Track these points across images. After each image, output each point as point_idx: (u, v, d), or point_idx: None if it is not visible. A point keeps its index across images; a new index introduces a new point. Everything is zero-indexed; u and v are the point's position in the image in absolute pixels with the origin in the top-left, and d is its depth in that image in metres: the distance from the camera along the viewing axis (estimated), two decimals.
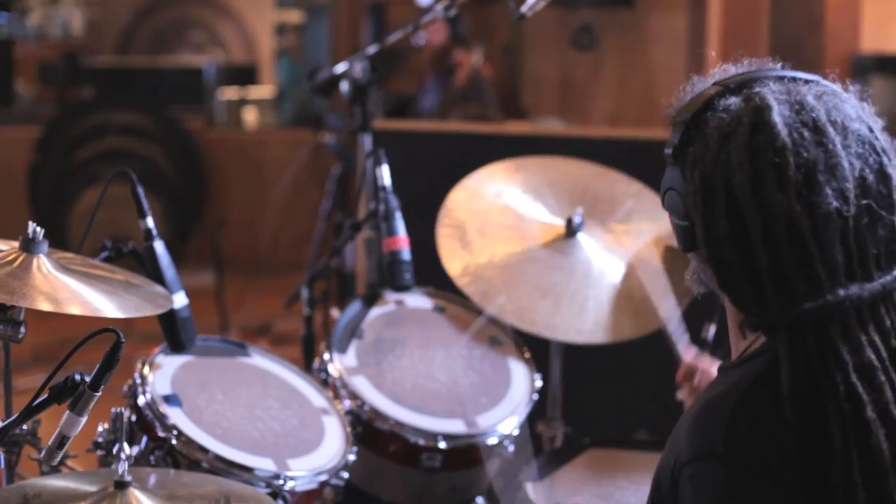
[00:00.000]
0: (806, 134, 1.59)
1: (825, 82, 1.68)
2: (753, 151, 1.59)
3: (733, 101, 1.65)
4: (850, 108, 1.64)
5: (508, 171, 3.11)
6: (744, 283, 1.61)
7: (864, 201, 1.59)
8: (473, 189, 3.05)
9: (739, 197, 1.59)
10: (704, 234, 1.64)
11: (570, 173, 3.13)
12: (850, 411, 1.55)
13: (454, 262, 2.90)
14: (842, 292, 1.57)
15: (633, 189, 3.08)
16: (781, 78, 1.67)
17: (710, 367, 2.55)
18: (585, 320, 2.83)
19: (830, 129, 1.60)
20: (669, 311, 2.73)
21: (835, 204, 1.57)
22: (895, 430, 1.56)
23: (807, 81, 1.67)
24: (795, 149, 1.58)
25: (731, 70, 1.72)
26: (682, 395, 2.64)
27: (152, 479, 1.97)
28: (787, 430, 1.57)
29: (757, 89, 1.65)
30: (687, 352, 2.65)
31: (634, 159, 3.40)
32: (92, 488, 1.86)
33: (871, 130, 1.63)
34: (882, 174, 1.61)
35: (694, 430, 1.62)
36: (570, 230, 2.94)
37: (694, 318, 2.89)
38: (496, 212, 3.00)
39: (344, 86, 3.50)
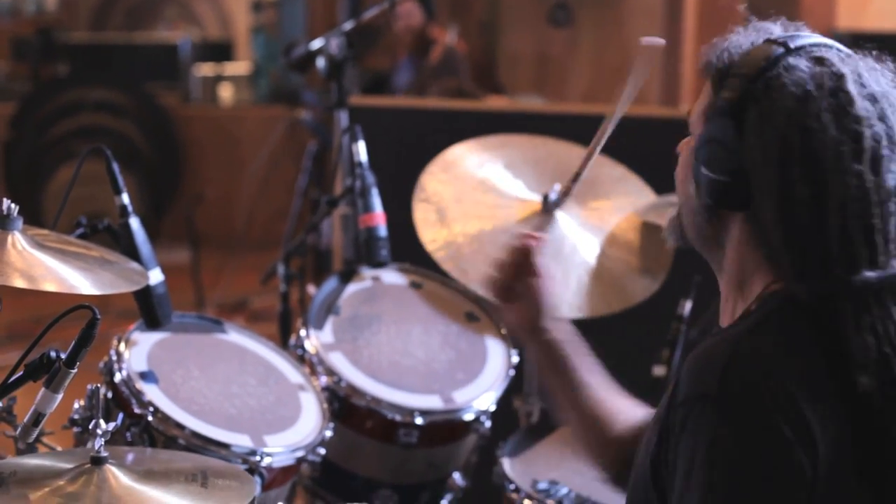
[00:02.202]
0: (870, 106, 1.63)
1: (862, 55, 1.71)
2: (836, 117, 1.62)
3: (803, 62, 1.66)
4: (885, 82, 1.68)
5: (491, 147, 3.10)
6: (814, 247, 1.63)
7: None
8: (452, 162, 3.04)
9: (822, 160, 1.61)
10: (777, 195, 1.64)
11: (554, 153, 3.13)
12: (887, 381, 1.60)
13: (429, 233, 2.89)
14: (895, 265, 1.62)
15: (616, 172, 3.08)
16: (832, 47, 1.70)
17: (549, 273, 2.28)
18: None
19: (885, 104, 1.64)
20: None
21: (894, 181, 1.62)
22: None
23: (849, 54, 1.70)
24: (869, 120, 1.62)
25: (775, 29, 1.72)
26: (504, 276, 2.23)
27: (129, 456, 1.97)
28: (797, 382, 1.58)
29: (824, 54, 1.67)
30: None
31: (611, 135, 3.41)
32: (68, 465, 1.86)
33: None
34: None
35: (688, 375, 1.63)
36: (547, 206, 2.94)
37: (669, 294, 2.91)
38: (474, 186, 3.00)
39: (320, 62, 3.49)
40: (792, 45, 1.67)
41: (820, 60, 1.66)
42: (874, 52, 1.72)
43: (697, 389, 1.60)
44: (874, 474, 1.60)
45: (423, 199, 2.95)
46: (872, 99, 1.63)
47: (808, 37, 1.70)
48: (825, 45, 1.70)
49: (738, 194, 1.67)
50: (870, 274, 1.61)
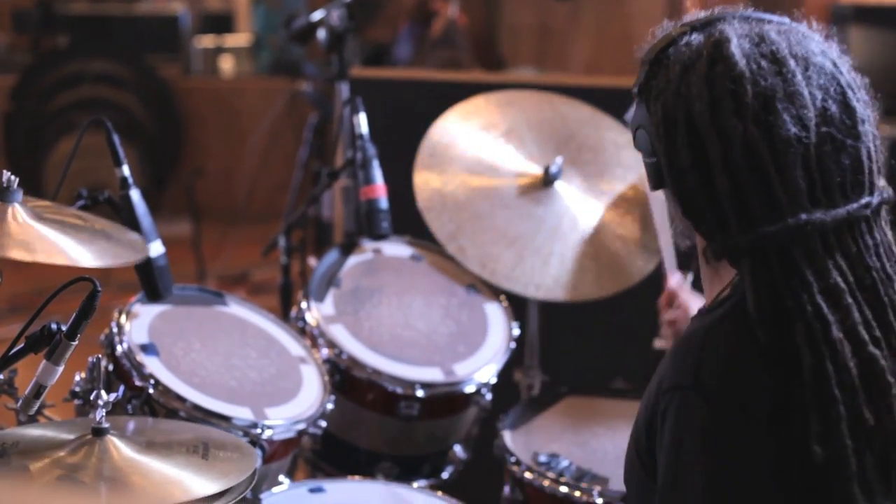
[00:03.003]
0: (764, 64, 1.63)
1: (791, 22, 1.72)
2: (711, 81, 1.64)
3: (695, 37, 1.69)
4: (813, 44, 1.68)
5: (499, 104, 3.09)
6: (705, 209, 1.65)
7: (826, 129, 1.62)
8: (460, 118, 3.04)
9: (699, 125, 1.63)
10: (667, 165, 1.67)
11: (561, 114, 3.11)
12: (820, 331, 1.59)
13: (424, 181, 2.90)
14: (804, 216, 1.60)
15: (622, 139, 3.07)
16: (747, 17, 1.71)
17: (690, 300, 2.59)
18: (546, 276, 2.83)
19: (791, 61, 1.64)
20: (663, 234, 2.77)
21: (794, 130, 1.61)
22: (862, 351, 1.59)
23: (771, 21, 1.71)
24: (753, 77, 1.62)
25: (701, 14, 1.75)
26: (664, 318, 2.68)
27: (130, 426, 1.97)
28: (756, 363, 1.61)
29: (719, 26, 1.69)
30: (672, 275, 2.69)
31: (612, 107, 3.40)
32: (70, 436, 1.86)
33: (835, 65, 1.67)
34: (846, 105, 1.65)
35: (667, 366, 1.67)
36: (547, 179, 2.94)
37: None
38: (477, 146, 2.99)
39: (321, 34, 3.48)
40: (697, 25, 1.71)
41: (710, 33, 1.68)
42: (820, 27, 1.73)
43: (676, 380, 1.63)
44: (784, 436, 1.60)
45: (427, 150, 2.94)
46: (770, 57, 1.63)
47: (727, 14, 1.72)
48: (740, 18, 1.71)
49: (660, 174, 1.71)
50: (766, 228, 1.60)
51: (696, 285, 2.94)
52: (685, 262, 2.93)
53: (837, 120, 1.63)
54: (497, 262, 2.83)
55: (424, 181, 2.93)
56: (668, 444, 1.62)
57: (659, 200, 2.78)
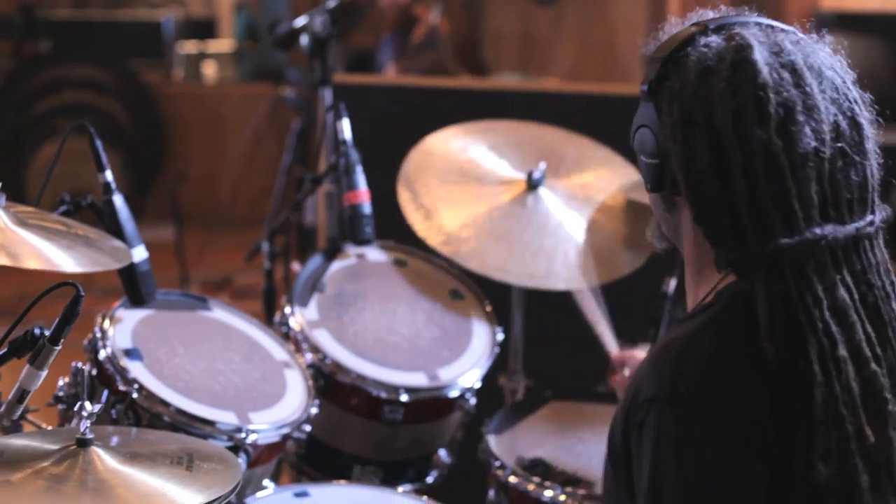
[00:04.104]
0: (785, 75, 1.62)
1: (801, 33, 1.70)
2: (736, 86, 1.61)
3: (714, 39, 1.66)
4: (824, 56, 1.67)
5: (474, 132, 3.10)
6: (722, 216, 1.62)
7: (839, 145, 1.62)
8: (436, 145, 3.04)
9: (721, 130, 1.61)
10: (683, 167, 1.64)
11: (538, 136, 3.13)
12: (829, 348, 1.58)
13: (416, 216, 2.90)
14: (818, 231, 1.60)
15: (600, 154, 3.08)
16: (759, 24, 1.70)
17: (637, 355, 2.62)
18: (538, 266, 2.83)
19: (807, 73, 1.63)
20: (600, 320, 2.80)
21: (813, 144, 1.60)
22: (864, 368, 1.59)
23: (784, 30, 1.70)
24: (776, 87, 1.61)
25: (709, 14, 1.73)
26: (613, 385, 2.71)
27: (115, 438, 1.96)
28: (740, 373, 1.60)
29: (738, 30, 1.67)
30: (613, 347, 2.73)
31: (594, 114, 3.41)
32: (54, 446, 1.85)
33: (843, 80, 1.66)
34: (854, 122, 1.64)
35: (644, 375, 1.65)
36: (531, 184, 2.94)
37: (654, 272, 2.91)
38: (459, 167, 3.00)
39: (304, 39, 3.48)
40: (712, 26, 1.68)
41: (731, 36, 1.66)
42: (826, 35, 1.72)
43: (652, 391, 1.62)
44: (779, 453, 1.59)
45: (405, 183, 2.95)
46: (790, 68, 1.62)
47: (742, 19, 1.71)
48: (755, 24, 1.69)
49: (667, 176, 1.69)
50: (785, 241, 1.59)
51: (680, 290, 2.95)
52: (668, 266, 2.94)
53: (848, 136, 1.63)
54: (487, 254, 2.83)
55: (408, 195, 2.92)
56: (645, 458, 1.61)
57: (586, 294, 2.83)
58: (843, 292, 1.61)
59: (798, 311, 1.59)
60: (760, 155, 1.59)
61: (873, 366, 1.60)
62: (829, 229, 1.60)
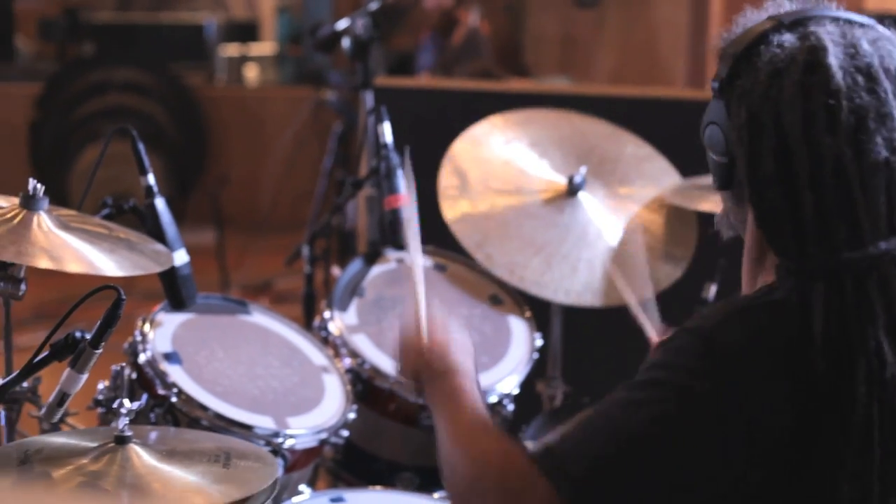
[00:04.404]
0: (860, 79, 1.56)
1: (880, 28, 1.64)
2: (807, 91, 1.56)
3: (788, 38, 1.61)
4: None
5: (516, 123, 3.09)
6: (785, 224, 1.58)
7: None
8: (479, 138, 3.04)
9: (789, 135, 1.56)
10: (748, 171, 1.60)
11: (580, 130, 3.11)
12: (878, 369, 1.54)
13: (452, 208, 2.89)
14: (883, 245, 1.55)
15: (643, 152, 3.06)
16: (837, 19, 1.63)
17: None
18: (575, 281, 2.82)
19: (883, 77, 1.57)
20: (643, 293, 2.74)
21: (884, 153, 1.55)
22: None
23: (862, 25, 1.63)
24: (849, 93, 1.55)
25: (786, 5, 1.67)
26: None
27: (153, 435, 1.97)
28: (777, 366, 1.55)
29: (813, 28, 1.61)
30: (655, 332, 2.67)
31: (637, 118, 3.39)
32: (92, 444, 1.86)
33: None
34: None
35: (700, 312, 1.62)
36: (572, 189, 2.93)
37: (694, 278, 2.89)
38: (500, 164, 2.99)
39: (345, 42, 3.48)
40: (787, 21, 1.63)
41: (805, 35, 1.60)
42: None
43: (696, 322, 1.59)
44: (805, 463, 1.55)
45: (449, 170, 2.94)
46: (865, 72, 1.57)
47: (819, 11, 1.65)
48: (832, 20, 1.63)
49: (735, 175, 1.65)
50: (848, 254, 1.55)
51: (722, 295, 2.93)
52: (709, 273, 2.92)
53: None
54: (525, 268, 2.83)
55: (449, 197, 2.92)
56: (649, 361, 1.58)
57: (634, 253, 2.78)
58: None
59: (853, 328, 1.55)
60: (829, 163, 1.54)
61: None
62: (895, 243, 1.56)
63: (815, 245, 1.56)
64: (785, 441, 1.54)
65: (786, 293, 1.59)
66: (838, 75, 1.56)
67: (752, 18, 1.68)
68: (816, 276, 1.57)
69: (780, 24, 1.63)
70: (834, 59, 1.57)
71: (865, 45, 1.59)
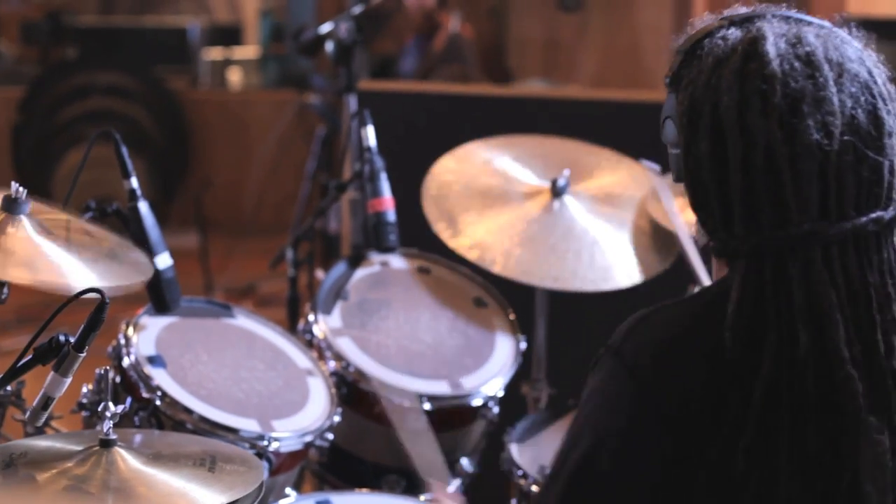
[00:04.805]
0: (797, 65, 1.60)
1: (836, 29, 1.68)
2: (743, 77, 1.60)
3: (733, 31, 1.66)
4: (851, 50, 1.64)
5: (496, 145, 3.10)
6: (715, 206, 1.62)
7: (849, 138, 1.58)
8: (461, 157, 3.04)
9: (724, 119, 1.60)
10: (684, 154, 1.65)
11: (560, 149, 3.13)
12: (788, 348, 1.56)
13: (442, 223, 2.90)
14: (807, 227, 1.58)
15: (623, 164, 3.08)
16: (787, 17, 1.68)
17: None
18: (563, 269, 2.83)
19: (825, 65, 1.60)
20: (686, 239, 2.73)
21: (816, 136, 1.57)
22: (839, 371, 1.56)
23: (812, 23, 1.67)
24: (784, 78, 1.59)
25: (742, 10, 1.72)
26: None
27: (137, 439, 1.97)
28: (693, 357, 1.60)
29: (758, 24, 1.66)
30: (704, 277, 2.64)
31: (620, 121, 3.40)
32: (77, 447, 1.86)
33: (870, 74, 1.63)
34: (875, 116, 1.61)
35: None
36: (556, 191, 2.94)
37: (678, 279, 2.90)
38: (484, 178, 3.00)
39: (329, 46, 3.48)
40: (737, 19, 1.68)
41: (749, 29, 1.65)
42: (860, 34, 1.70)
43: (610, 340, 1.66)
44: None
45: (432, 191, 2.94)
46: (804, 59, 1.60)
47: (772, 11, 1.69)
48: (781, 17, 1.68)
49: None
50: (770, 234, 1.58)
51: None
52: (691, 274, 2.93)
53: (864, 130, 1.59)
54: (511, 257, 2.82)
55: (434, 207, 2.92)
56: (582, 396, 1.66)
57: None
58: (830, 291, 1.57)
59: (767, 306, 1.57)
60: (760, 145, 1.58)
61: (849, 369, 1.55)
62: (821, 226, 1.58)
63: (740, 225, 1.60)
64: (694, 416, 1.58)
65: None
66: (775, 62, 1.59)
67: (708, 20, 1.72)
68: (738, 254, 1.61)
69: (730, 21, 1.68)
70: (772, 47, 1.61)
71: (810, 37, 1.63)
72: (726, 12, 1.72)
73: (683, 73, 1.68)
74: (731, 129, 1.59)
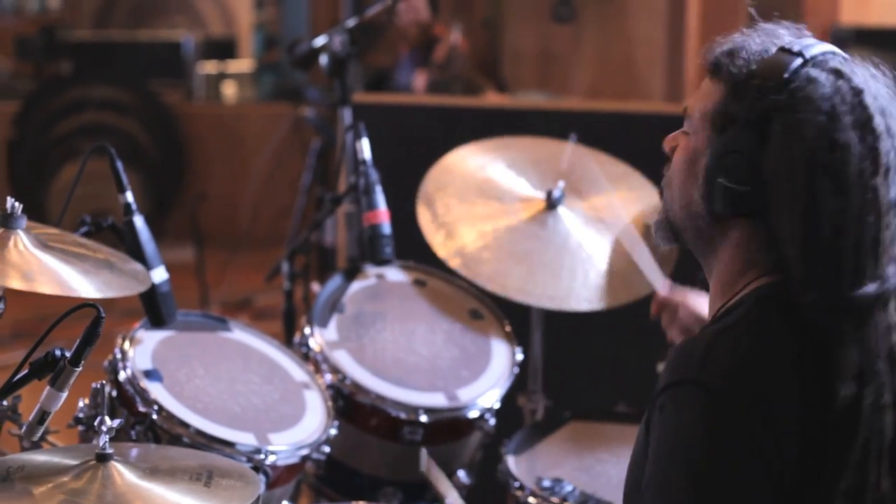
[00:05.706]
0: (882, 121, 1.65)
1: (872, 67, 1.72)
2: (860, 133, 1.64)
3: (822, 75, 1.67)
4: (885, 93, 1.70)
5: (492, 149, 3.10)
6: (828, 257, 1.64)
7: None
8: (455, 164, 3.04)
9: (849, 175, 1.63)
10: (803, 205, 1.65)
11: (557, 153, 3.13)
12: (879, 393, 1.62)
13: (437, 237, 2.90)
14: (893, 278, 1.64)
15: (618, 170, 3.08)
16: (835, 53, 1.72)
17: (688, 297, 2.52)
18: (559, 287, 2.83)
19: (890, 118, 1.67)
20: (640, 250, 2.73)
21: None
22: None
23: (875, 68, 1.72)
24: (884, 136, 1.65)
25: (778, 30, 1.74)
26: (664, 325, 2.61)
27: (134, 453, 1.97)
28: (786, 367, 1.62)
29: (837, 65, 1.68)
30: (662, 287, 2.62)
31: (615, 132, 3.41)
32: (74, 462, 1.86)
33: None
34: None
35: (668, 367, 1.66)
36: (551, 203, 2.94)
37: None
38: (478, 186, 3.00)
39: (323, 59, 3.49)
40: (807, 55, 1.69)
41: (838, 73, 1.67)
42: (870, 57, 1.73)
43: (676, 376, 1.63)
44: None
45: (426, 199, 2.94)
46: (882, 113, 1.65)
47: (816, 44, 1.72)
48: (832, 54, 1.71)
49: (754, 203, 1.69)
50: (871, 287, 1.63)
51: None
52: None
53: None
54: (507, 277, 2.83)
55: (427, 215, 2.93)
56: (658, 439, 1.62)
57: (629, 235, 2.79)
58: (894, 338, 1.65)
59: (867, 357, 1.62)
60: (871, 203, 1.63)
61: None
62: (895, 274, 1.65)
63: (847, 279, 1.64)
64: (791, 451, 1.59)
65: (752, 315, 1.66)
66: (876, 118, 1.65)
67: (750, 44, 1.72)
68: (845, 307, 1.63)
69: (803, 57, 1.69)
70: (871, 99, 1.65)
71: (873, 86, 1.68)
72: (769, 35, 1.73)
73: (773, 115, 1.67)
74: (854, 186, 1.63)
